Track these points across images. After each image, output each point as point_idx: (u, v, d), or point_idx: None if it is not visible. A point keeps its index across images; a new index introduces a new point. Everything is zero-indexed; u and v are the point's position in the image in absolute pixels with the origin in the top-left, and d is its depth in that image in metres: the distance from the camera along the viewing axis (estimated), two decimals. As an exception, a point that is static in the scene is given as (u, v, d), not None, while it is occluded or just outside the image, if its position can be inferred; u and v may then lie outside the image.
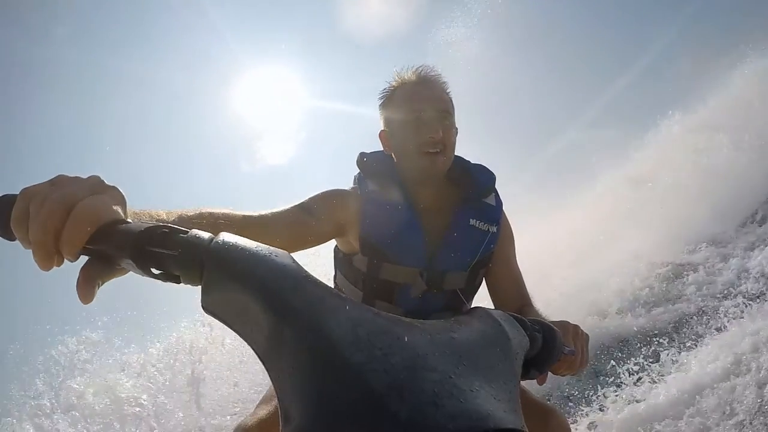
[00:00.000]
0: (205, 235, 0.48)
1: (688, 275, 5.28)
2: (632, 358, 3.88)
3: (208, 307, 0.47)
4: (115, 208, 0.51)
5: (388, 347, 0.44)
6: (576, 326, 0.98)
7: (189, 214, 0.88)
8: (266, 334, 0.44)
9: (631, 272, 5.68)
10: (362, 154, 1.40)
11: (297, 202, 1.24)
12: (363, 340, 0.44)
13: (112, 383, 5.17)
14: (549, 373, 0.80)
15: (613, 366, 3.84)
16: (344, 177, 1.43)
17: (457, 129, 1.36)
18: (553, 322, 0.93)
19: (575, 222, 7.92)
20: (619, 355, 4.17)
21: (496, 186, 1.44)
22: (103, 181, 0.54)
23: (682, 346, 3.96)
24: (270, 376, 0.45)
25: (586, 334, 0.99)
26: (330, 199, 1.28)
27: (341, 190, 1.34)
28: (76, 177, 0.52)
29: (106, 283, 0.51)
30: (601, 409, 3.34)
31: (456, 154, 1.38)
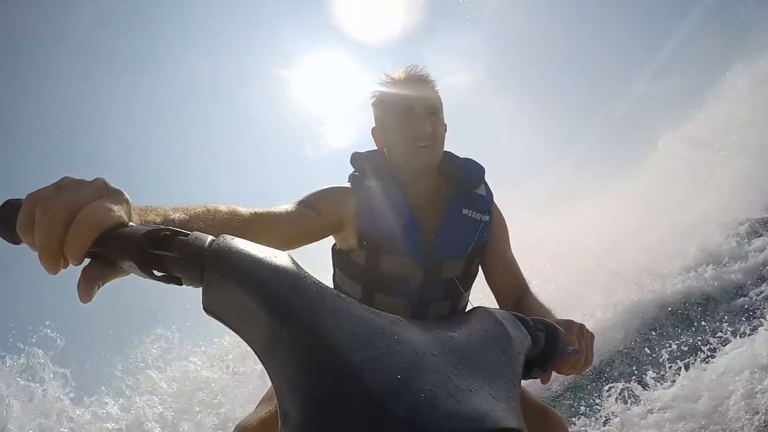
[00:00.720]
0: (206, 237, 0.48)
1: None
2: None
3: (209, 308, 0.47)
4: (118, 211, 0.51)
5: (386, 347, 0.44)
6: (581, 325, 0.96)
7: (195, 211, 0.88)
8: (265, 335, 0.45)
9: (701, 234, 5.35)
10: (355, 154, 1.45)
11: (298, 199, 1.26)
12: (361, 340, 0.44)
13: (188, 373, 5.50)
14: (553, 372, 0.80)
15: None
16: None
17: (445, 125, 1.41)
18: (557, 320, 0.94)
19: (640, 187, 7.59)
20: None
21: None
22: (107, 184, 0.54)
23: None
24: (269, 375, 0.45)
25: (591, 333, 0.97)
26: (329, 194, 1.32)
27: (339, 186, 1.37)
28: (81, 180, 0.52)
29: (108, 284, 0.52)
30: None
31: (446, 149, 1.44)
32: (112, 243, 0.48)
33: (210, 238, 0.48)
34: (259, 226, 1.04)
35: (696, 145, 7.70)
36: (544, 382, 0.80)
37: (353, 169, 1.44)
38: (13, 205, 0.51)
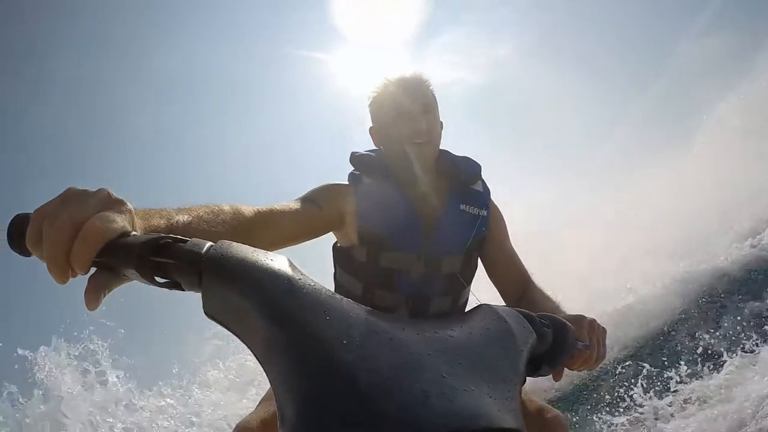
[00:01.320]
0: (204, 243, 0.50)
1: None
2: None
3: (209, 311, 0.48)
4: (120, 221, 0.53)
5: (378, 348, 0.45)
6: (592, 320, 0.93)
7: (198, 212, 0.88)
8: (262, 336, 0.45)
9: (756, 205, 5.12)
10: (354, 153, 1.48)
11: (299, 196, 1.29)
12: (354, 340, 0.44)
13: (244, 367, 5.68)
14: (565, 368, 0.79)
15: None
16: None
17: (442, 123, 1.44)
18: (566, 316, 0.92)
19: (687, 161, 7.31)
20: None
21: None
22: (110, 195, 0.55)
23: None
24: (268, 377, 0.45)
25: (603, 328, 0.94)
26: (330, 189, 1.35)
27: (339, 183, 1.40)
28: (84, 191, 0.54)
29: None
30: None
31: (443, 148, 1.47)
32: (116, 252, 0.50)
33: (208, 244, 0.49)
34: (261, 225, 1.07)
35: (746, 113, 7.32)
36: (556, 379, 0.79)
37: (353, 168, 1.46)
38: (21, 220, 0.53)
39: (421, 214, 1.36)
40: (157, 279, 0.50)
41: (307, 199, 1.27)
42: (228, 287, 0.47)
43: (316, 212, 1.26)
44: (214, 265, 0.47)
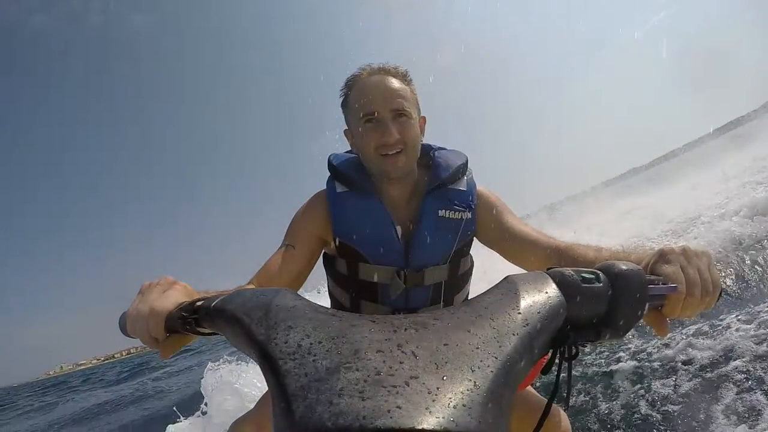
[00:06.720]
0: (215, 298, 0.65)
1: None
2: None
3: (233, 344, 0.59)
4: (174, 297, 0.74)
5: (324, 353, 0.46)
6: (683, 249, 0.69)
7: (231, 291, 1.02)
8: (252, 357, 0.53)
9: None
10: (332, 156, 1.40)
11: (281, 241, 1.29)
12: (302, 350, 0.47)
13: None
14: (668, 319, 0.66)
15: None
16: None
17: (424, 118, 1.35)
18: (640, 255, 0.76)
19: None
20: None
21: None
22: (168, 279, 0.79)
23: None
24: None
25: (703, 252, 0.69)
26: (299, 223, 1.32)
27: (305, 206, 1.35)
28: (151, 283, 0.78)
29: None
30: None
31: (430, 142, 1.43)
32: (175, 319, 0.70)
33: (217, 299, 0.64)
34: (261, 284, 1.16)
35: None
36: (661, 334, 0.67)
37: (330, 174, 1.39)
38: (123, 317, 0.77)
39: (399, 224, 1.29)
40: (200, 330, 0.69)
41: (288, 244, 1.27)
42: (226, 327, 0.59)
43: (297, 252, 1.25)
44: (218, 312, 0.62)
